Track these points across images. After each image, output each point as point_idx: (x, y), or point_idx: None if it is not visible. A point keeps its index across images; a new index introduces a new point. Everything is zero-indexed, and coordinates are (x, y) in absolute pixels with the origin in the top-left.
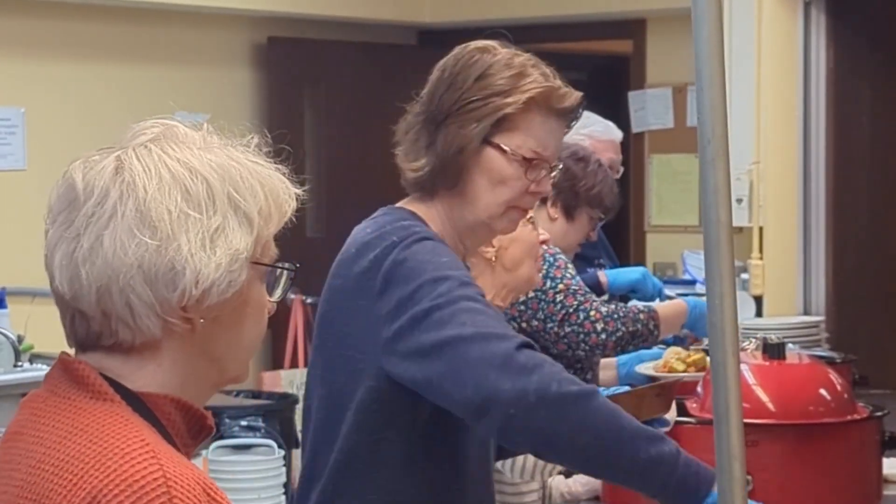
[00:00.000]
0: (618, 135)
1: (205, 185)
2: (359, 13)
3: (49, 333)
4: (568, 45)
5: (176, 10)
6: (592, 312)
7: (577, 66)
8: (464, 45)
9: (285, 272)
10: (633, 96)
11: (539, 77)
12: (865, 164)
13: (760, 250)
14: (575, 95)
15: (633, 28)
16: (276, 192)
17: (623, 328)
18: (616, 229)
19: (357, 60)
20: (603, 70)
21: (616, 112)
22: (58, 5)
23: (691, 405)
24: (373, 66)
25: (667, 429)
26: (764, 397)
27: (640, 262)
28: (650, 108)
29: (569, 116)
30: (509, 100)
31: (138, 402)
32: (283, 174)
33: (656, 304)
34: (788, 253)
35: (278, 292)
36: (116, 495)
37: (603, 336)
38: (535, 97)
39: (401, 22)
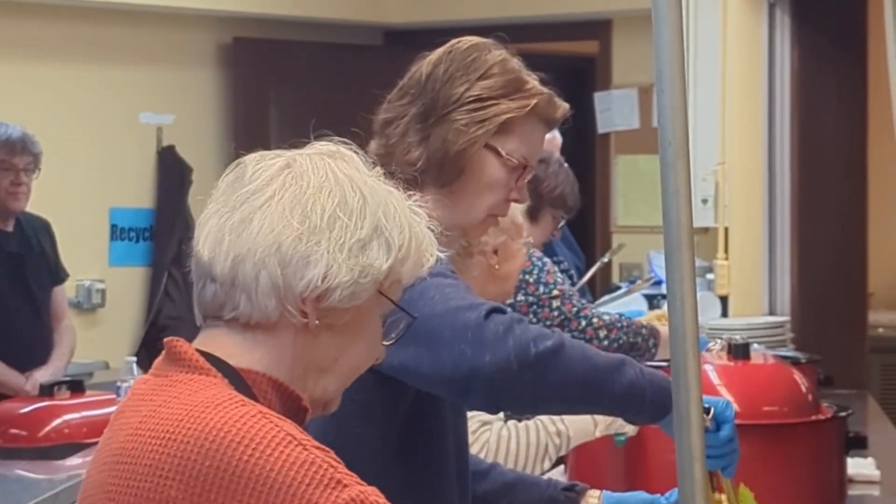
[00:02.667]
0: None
1: (361, 200)
2: (325, 13)
3: None
4: (533, 45)
5: (141, 11)
6: (595, 319)
7: (542, 66)
8: (457, 40)
9: (404, 321)
10: (599, 97)
11: (537, 84)
12: (830, 165)
13: (726, 250)
14: (564, 107)
15: (599, 29)
16: (420, 240)
17: (625, 337)
18: (582, 230)
19: (323, 61)
20: (568, 71)
21: (582, 113)
22: (22, 6)
23: None
24: (339, 66)
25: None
26: (728, 397)
27: (607, 264)
28: (616, 109)
29: (553, 127)
30: (514, 104)
31: (237, 378)
32: (433, 231)
33: (659, 325)
34: (754, 253)
35: (392, 337)
36: (199, 423)
37: (605, 343)
38: (538, 104)
39: (367, 22)
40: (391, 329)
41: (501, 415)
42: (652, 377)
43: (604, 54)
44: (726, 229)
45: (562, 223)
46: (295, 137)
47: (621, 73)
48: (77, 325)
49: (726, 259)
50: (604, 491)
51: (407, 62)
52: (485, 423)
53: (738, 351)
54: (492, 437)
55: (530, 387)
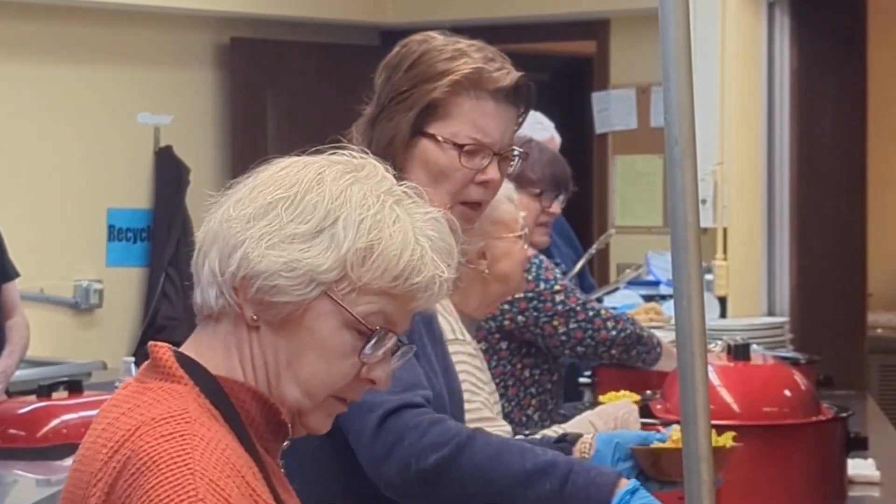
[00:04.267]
0: (554, 132)
1: (317, 197)
2: (321, 14)
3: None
4: (531, 45)
5: (138, 11)
6: (602, 311)
7: (539, 67)
8: (405, 39)
9: (391, 340)
10: (597, 97)
11: (469, 60)
12: (830, 164)
13: (725, 251)
14: (512, 75)
15: (597, 29)
16: (413, 260)
17: (632, 328)
18: (580, 230)
19: (320, 61)
20: (566, 71)
21: (579, 113)
22: (19, 6)
23: (656, 406)
24: (336, 66)
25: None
26: (728, 398)
27: (604, 262)
28: (613, 109)
29: (511, 97)
30: (434, 85)
31: (213, 385)
32: (452, 257)
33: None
34: (753, 254)
35: (368, 351)
36: (135, 441)
37: (613, 333)
38: (462, 80)
39: (363, 22)
40: (372, 345)
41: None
42: (576, 489)
43: (601, 54)
44: (725, 230)
45: (554, 202)
46: (291, 137)
47: (619, 73)
48: (75, 325)
49: (725, 260)
50: (596, 432)
51: (378, 69)
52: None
53: (739, 352)
54: None
55: (423, 496)
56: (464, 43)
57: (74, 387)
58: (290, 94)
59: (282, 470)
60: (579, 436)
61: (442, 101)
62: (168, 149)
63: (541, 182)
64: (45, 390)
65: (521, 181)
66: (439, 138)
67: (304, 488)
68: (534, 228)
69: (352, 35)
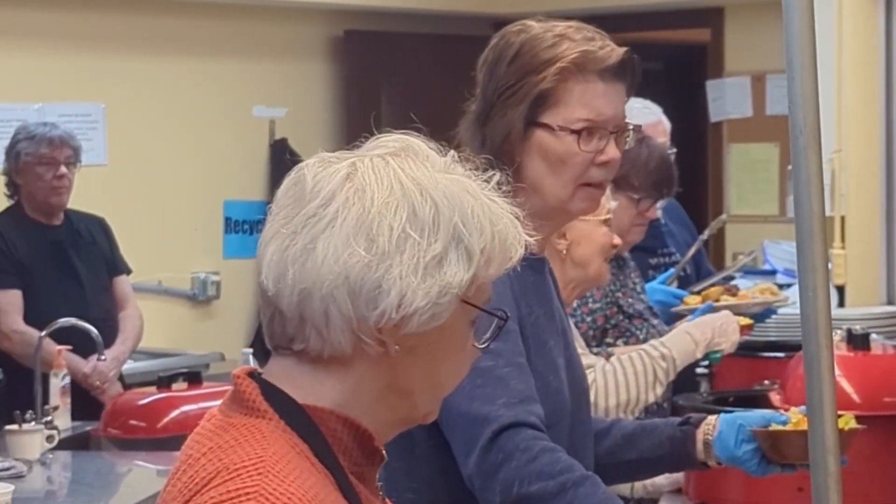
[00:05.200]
0: (662, 116)
1: (433, 209)
2: (435, 5)
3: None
4: (645, 34)
5: (253, 5)
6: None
7: (653, 55)
8: (501, 31)
9: (495, 322)
10: (711, 85)
11: (571, 44)
12: None
13: (843, 239)
14: (616, 52)
15: (711, 16)
16: (504, 235)
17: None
18: (695, 219)
19: (433, 52)
20: (680, 59)
21: (694, 102)
22: (137, 2)
23: (774, 396)
24: (449, 57)
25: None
26: (849, 388)
27: (720, 251)
28: (728, 98)
29: (619, 74)
30: (542, 75)
31: (302, 416)
32: (518, 218)
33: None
34: (871, 242)
35: (485, 338)
36: (203, 495)
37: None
38: (569, 66)
39: (476, 13)
40: (482, 330)
41: (601, 353)
42: None
43: (716, 42)
44: (843, 218)
45: (651, 207)
46: (406, 129)
47: (734, 60)
48: (192, 317)
49: (843, 248)
50: (720, 414)
51: (479, 64)
52: (588, 367)
53: (859, 341)
54: (598, 376)
55: None
56: (561, 26)
57: (194, 378)
58: (403, 86)
59: (381, 493)
60: (703, 417)
61: (551, 90)
62: (283, 141)
63: (642, 189)
64: (164, 381)
65: (622, 184)
66: (554, 126)
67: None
68: (630, 228)
69: (465, 26)
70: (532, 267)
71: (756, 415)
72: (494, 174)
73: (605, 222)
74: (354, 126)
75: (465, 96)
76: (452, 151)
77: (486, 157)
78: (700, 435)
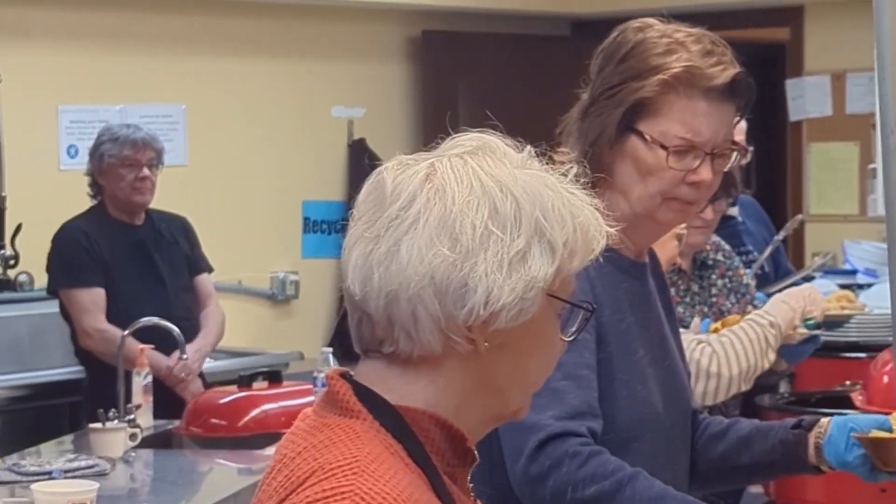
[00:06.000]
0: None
1: (514, 205)
2: (512, 5)
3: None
4: (724, 32)
5: (332, 6)
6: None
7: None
8: (623, 25)
9: (581, 314)
10: (791, 84)
11: (683, 56)
12: None
13: None
14: (728, 72)
15: (791, 15)
16: (585, 227)
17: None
18: (773, 219)
19: (511, 52)
20: (759, 58)
21: (773, 100)
22: (217, 3)
23: (857, 397)
24: (526, 57)
25: None
26: None
27: (799, 250)
28: (808, 96)
29: (726, 94)
30: (644, 83)
31: (395, 417)
32: (598, 209)
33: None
34: None
35: (572, 331)
36: (299, 494)
37: None
38: (672, 79)
39: (554, 13)
40: (569, 322)
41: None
42: None
43: (795, 41)
44: None
45: (707, 208)
46: (483, 129)
47: (813, 59)
48: (272, 316)
49: None
50: (833, 417)
51: (595, 53)
52: (700, 342)
53: None
54: (716, 347)
55: None
56: (682, 33)
57: (274, 377)
58: (481, 86)
59: (472, 494)
60: (816, 420)
61: (651, 100)
62: (361, 141)
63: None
64: (245, 380)
65: None
66: (647, 137)
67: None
68: (689, 230)
69: (543, 26)
70: (626, 272)
71: (868, 419)
72: (572, 167)
73: (678, 236)
74: (431, 126)
75: (541, 95)
76: (528, 147)
77: (579, 151)
78: (812, 438)
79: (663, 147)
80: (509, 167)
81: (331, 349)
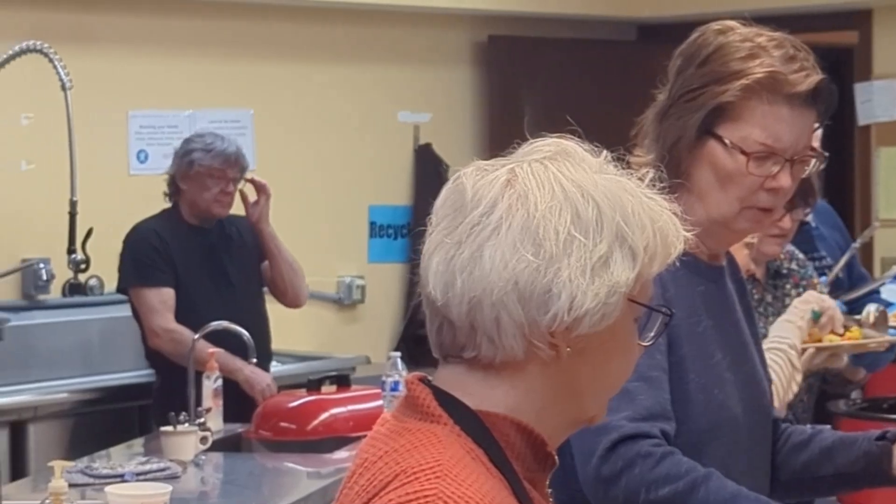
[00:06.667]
0: None
1: (596, 210)
2: (578, 9)
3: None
4: (791, 36)
5: (398, 11)
6: None
7: None
8: (703, 27)
9: (661, 319)
10: (859, 88)
11: (765, 60)
12: None
13: None
14: (811, 78)
15: (859, 19)
16: (664, 232)
17: None
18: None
19: (577, 57)
20: (827, 62)
21: (841, 104)
22: (286, 9)
23: None
24: (592, 62)
25: None
26: None
27: (868, 256)
28: (877, 100)
29: (808, 101)
30: (726, 87)
31: (476, 422)
32: (676, 214)
33: None
34: None
35: (650, 336)
36: (382, 497)
37: None
38: (755, 84)
39: (620, 17)
40: (647, 327)
41: None
42: None
43: (864, 44)
44: None
45: (785, 217)
46: (549, 133)
47: (882, 63)
48: (338, 320)
49: None
50: None
51: (661, 58)
52: None
53: None
54: None
55: None
56: (764, 37)
57: (342, 381)
58: (546, 91)
59: (550, 500)
60: None
61: (732, 104)
62: (427, 146)
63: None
64: (314, 384)
65: None
66: (727, 142)
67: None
68: (763, 238)
69: (609, 30)
70: (702, 275)
71: None
72: (648, 172)
73: (748, 245)
74: (497, 131)
75: (607, 100)
76: (605, 152)
77: (656, 155)
78: None
79: (743, 152)
80: (589, 172)
81: (399, 353)
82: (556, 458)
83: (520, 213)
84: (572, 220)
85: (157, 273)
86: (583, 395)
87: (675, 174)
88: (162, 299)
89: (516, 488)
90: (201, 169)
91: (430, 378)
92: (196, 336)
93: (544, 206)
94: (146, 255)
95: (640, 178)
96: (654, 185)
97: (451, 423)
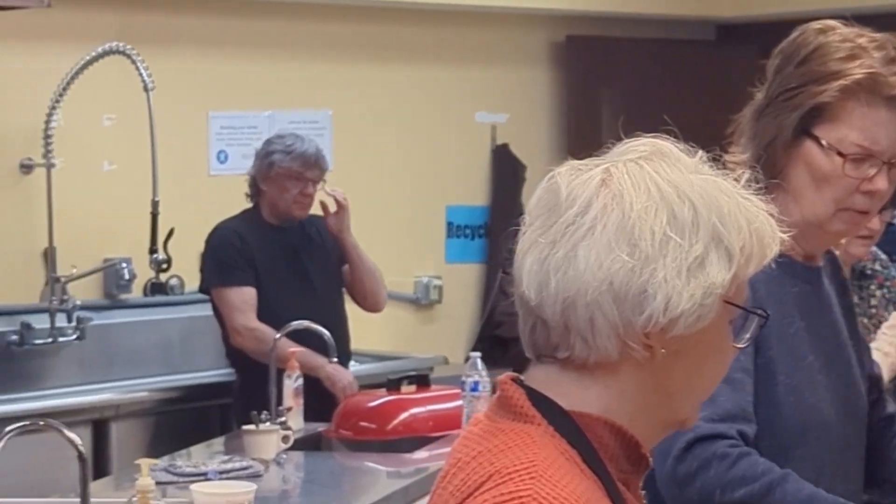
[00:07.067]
0: None
1: (692, 210)
2: (657, 9)
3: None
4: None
5: (476, 11)
6: None
7: None
8: (804, 26)
9: (756, 321)
10: None
11: (865, 62)
12: None
13: None
14: None
15: None
16: (760, 233)
17: None
18: None
19: (655, 57)
20: None
21: None
22: (364, 10)
23: None
24: (671, 62)
25: None
26: None
27: None
28: None
29: None
30: (824, 87)
31: (569, 423)
32: (772, 215)
33: None
34: None
35: (745, 337)
36: (476, 498)
37: None
38: (854, 85)
39: (699, 17)
40: (742, 329)
41: None
42: None
43: None
44: None
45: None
46: (627, 135)
47: None
48: (416, 320)
49: None
50: None
51: (739, 58)
52: None
53: None
54: None
55: None
56: (865, 38)
57: (422, 381)
58: (624, 91)
59: (644, 502)
60: None
61: (830, 105)
62: (505, 147)
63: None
64: (393, 384)
65: None
66: (824, 143)
67: None
68: (851, 239)
69: (687, 30)
70: (797, 276)
71: None
72: (744, 171)
73: (836, 246)
74: (575, 131)
75: (686, 100)
76: (700, 152)
77: (752, 154)
78: None
79: (840, 154)
80: (684, 172)
81: (479, 353)
82: (650, 459)
83: (615, 212)
84: (668, 221)
85: (239, 273)
86: (676, 397)
87: (770, 174)
88: (244, 299)
89: (610, 490)
90: (281, 171)
91: (522, 378)
92: (277, 335)
93: (640, 206)
94: (228, 256)
95: (735, 179)
96: (749, 186)
97: (544, 424)
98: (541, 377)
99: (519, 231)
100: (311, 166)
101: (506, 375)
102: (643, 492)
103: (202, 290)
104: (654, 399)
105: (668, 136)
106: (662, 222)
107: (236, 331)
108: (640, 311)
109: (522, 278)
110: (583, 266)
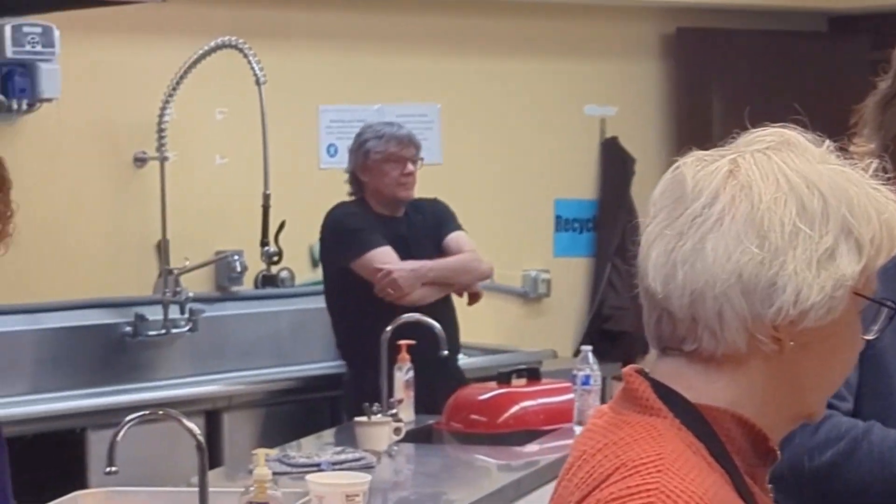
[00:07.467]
0: None
1: (821, 201)
2: (767, 0)
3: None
4: None
5: (585, 4)
6: None
7: None
8: None
9: (885, 311)
10: None
11: None
12: None
13: None
14: None
15: None
16: (890, 224)
17: None
18: None
19: (766, 49)
20: None
21: None
22: (472, 3)
23: None
24: (782, 54)
25: None
26: None
27: None
28: None
29: None
30: None
31: (696, 415)
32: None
33: None
34: None
35: (874, 329)
36: (602, 490)
37: None
38: None
39: (811, 8)
40: (870, 320)
41: None
42: None
43: None
44: None
45: None
46: (737, 128)
47: None
48: (523, 314)
49: None
50: None
51: (852, 49)
52: None
53: None
54: None
55: (820, 497)
56: None
57: (533, 374)
58: (735, 84)
59: (771, 495)
60: None
61: None
62: (614, 140)
63: None
64: (504, 377)
65: None
66: None
67: None
68: None
69: (799, 21)
70: None
71: None
72: (872, 162)
73: None
74: (685, 124)
75: (798, 93)
76: (828, 142)
77: (878, 144)
78: None
79: None
80: (812, 162)
81: (591, 347)
82: (778, 452)
83: (743, 204)
84: (798, 212)
85: (373, 236)
86: (804, 390)
87: (892, 164)
88: (386, 257)
89: (737, 483)
90: (377, 156)
91: (647, 371)
92: (387, 328)
93: (769, 197)
94: (356, 224)
95: (863, 169)
96: (877, 176)
97: (670, 417)
98: (666, 370)
99: (634, 225)
100: (405, 145)
101: (630, 367)
102: (770, 485)
103: (340, 267)
104: (782, 392)
105: (794, 126)
106: (792, 213)
107: (394, 282)
108: (770, 303)
109: (648, 270)
110: (711, 258)
